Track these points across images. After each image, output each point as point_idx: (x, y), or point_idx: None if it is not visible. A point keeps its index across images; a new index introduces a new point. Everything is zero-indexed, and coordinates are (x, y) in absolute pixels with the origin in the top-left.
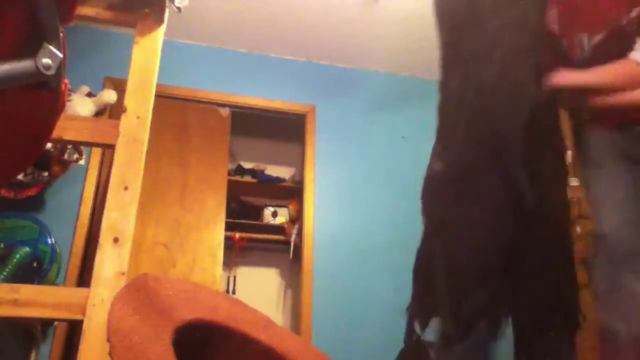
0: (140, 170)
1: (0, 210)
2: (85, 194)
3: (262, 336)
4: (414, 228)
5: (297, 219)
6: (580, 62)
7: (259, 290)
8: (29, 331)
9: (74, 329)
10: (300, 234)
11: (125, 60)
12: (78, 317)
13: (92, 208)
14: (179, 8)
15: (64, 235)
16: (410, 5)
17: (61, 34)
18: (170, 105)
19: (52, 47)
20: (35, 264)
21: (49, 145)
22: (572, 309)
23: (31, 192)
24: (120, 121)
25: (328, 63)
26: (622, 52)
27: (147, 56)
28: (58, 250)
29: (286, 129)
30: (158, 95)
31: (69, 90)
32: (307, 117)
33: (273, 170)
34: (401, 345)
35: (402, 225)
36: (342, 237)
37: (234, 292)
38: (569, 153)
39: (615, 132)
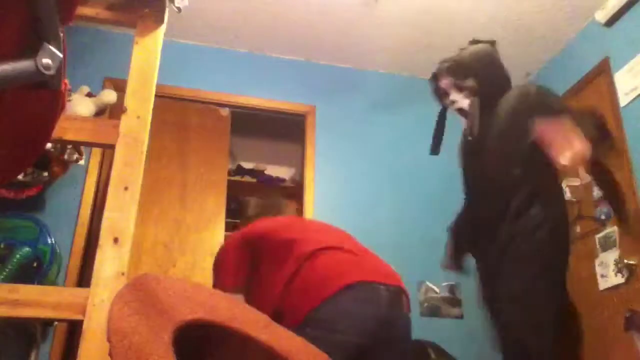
0: (140, 170)
1: (0, 210)
2: (85, 194)
3: (262, 336)
4: (414, 228)
5: None
6: None
7: None
8: (29, 331)
9: (74, 329)
10: None
11: (125, 60)
12: (78, 317)
13: (92, 208)
14: (179, 8)
15: (64, 235)
16: (410, 6)
17: (61, 34)
18: (170, 105)
19: (52, 47)
20: (35, 264)
21: (49, 145)
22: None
23: (31, 192)
24: (120, 121)
25: (328, 63)
26: None
27: (147, 56)
28: (58, 250)
29: (286, 129)
30: (158, 95)
31: (69, 90)
32: (307, 117)
33: (273, 170)
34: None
35: (402, 224)
36: None
37: None
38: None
39: None
